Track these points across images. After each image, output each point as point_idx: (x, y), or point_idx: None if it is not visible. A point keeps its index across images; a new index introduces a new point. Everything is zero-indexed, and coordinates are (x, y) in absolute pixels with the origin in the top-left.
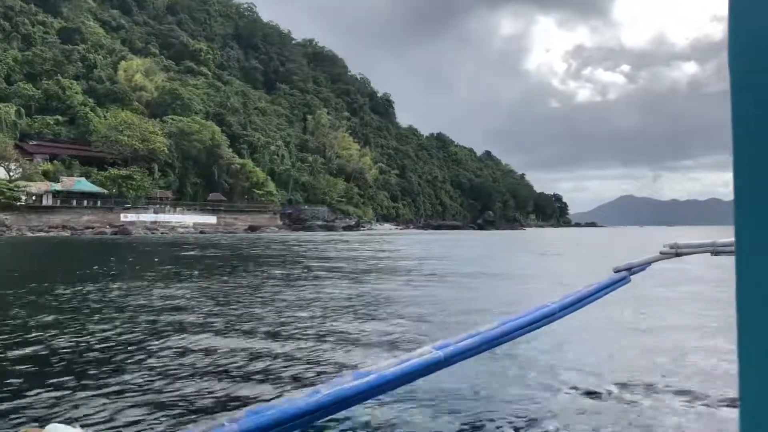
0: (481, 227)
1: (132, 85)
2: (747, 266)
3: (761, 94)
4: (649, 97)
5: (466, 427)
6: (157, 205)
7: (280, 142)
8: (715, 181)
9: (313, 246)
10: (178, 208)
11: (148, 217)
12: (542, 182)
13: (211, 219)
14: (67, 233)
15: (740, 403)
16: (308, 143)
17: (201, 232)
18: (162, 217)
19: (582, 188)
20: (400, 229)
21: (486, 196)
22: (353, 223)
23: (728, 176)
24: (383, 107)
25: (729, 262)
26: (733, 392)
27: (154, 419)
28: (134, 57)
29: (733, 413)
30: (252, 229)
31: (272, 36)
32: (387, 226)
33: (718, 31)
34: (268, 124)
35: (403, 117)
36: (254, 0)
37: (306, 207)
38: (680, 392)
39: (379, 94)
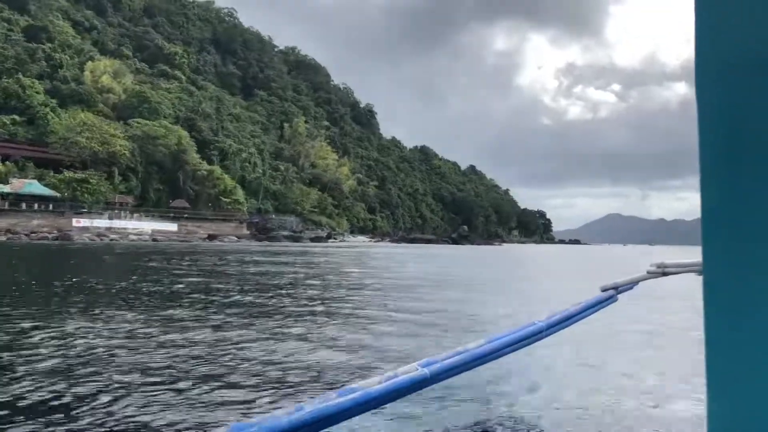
0: (455, 242)
1: (98, 87)
2: (713, 285)
3: (726, 116)
4: (640, 116)
5: None
6: (114, 211)
7: (252, 150)
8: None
9: (255, 259)
10: (135, 215)
11: (102, 222)
12: (531, 198)
13: (171, 226)
14: (3, 237)
15: (708, 419)
16: (283, 151)
17: (154, 240)
18: (117, 224)
19: (571, 205)
20: (375, 241)
21: (468, 210)
22: (324, 234)
23: None
24: (365, 118)
25: None
26: None
27: None
28: (102, 58)
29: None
30: (211, 237)
31: (252, 42)
32: (361, 238)
33: None
34: (242, 131)
35: (394, 129)
36: (237, 5)
37: (273, 216)
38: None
39: (361, 105)
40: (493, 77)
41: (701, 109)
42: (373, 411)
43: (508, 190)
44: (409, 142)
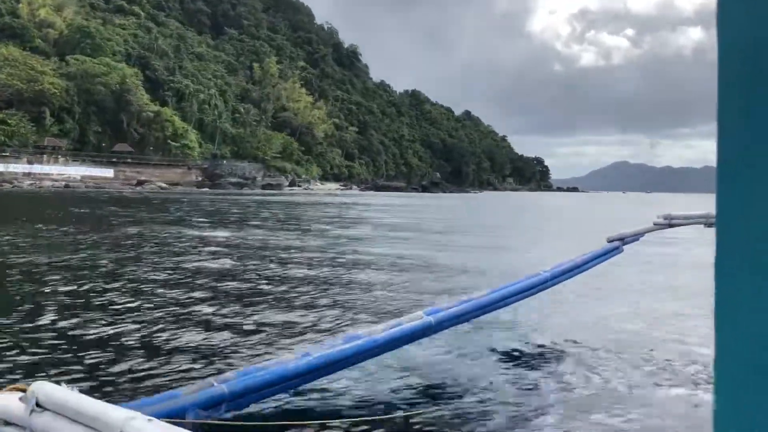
0: (425, 189)
1: (37, 21)
2: (727, 238)
3: (747, 68)
4: (653, 63)
5: (450, 393)
6: (39, 155)
7: (213, 91)
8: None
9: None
10: (60, 158)
11: (19, 167)
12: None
13: (107, 172)
14: None
15: (715, 375)
16: (250, 93)
17: (65, 186)
18: (39, 169)
19: (580, 153)
20: (342, 189)
21: (458, 157)
22: (287, 181)
23: None
24: (348, 59)
25: None
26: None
27: (146, 377)
28: None
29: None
30: (140, 183)
31: None
32: (331, 185)
33: None
34: (203, 71)
35: (400, 77)
36: None
37: (224, 162)
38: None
39: (345, 45)
40: (504, 23)
41: (722, 52)
42: (378, 357)
43: (505, 136)
44: (420, 90)
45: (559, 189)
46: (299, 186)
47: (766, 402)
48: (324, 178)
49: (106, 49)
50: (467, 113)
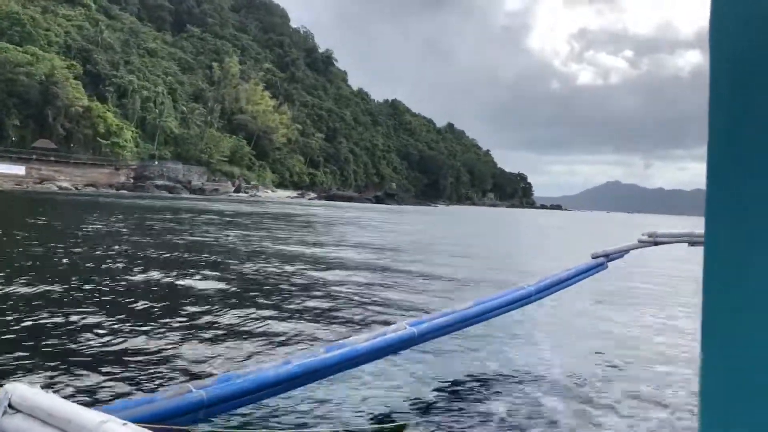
0: (379, 201)
1: None
2: (714, 259)
3: (737, 88)
4: (651, 84)
5: (431, 406)
6: None
7: (160, 88)
8: (704, 172)
9: None
10: None
11: None
12: (533, 163)
13: (17, 169)
14: None
15: (701, 390)
16: (204, 93)
17: None
18: None
19: (573, 171)
20: (294, 198)
21: (436, 169)
22: (232, 187)
23: None
24: (323, 64)
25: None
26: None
27: (123, 382)
28: None
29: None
30: (43, 181)
31: None
32: (282, 193)
33: None
34: (152, 67)
35: (398, 88)
36: None
37: (156, 163)
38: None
39: (320, 50)
40: (503, 38)
41: (714, 71)
42: (360, 367)
43: (488, 151)
44: (412, 103)
45: (543, 207)
46: (245, 192)
47: (751, 420)
48: (282, 185)
49: (39, 38)
50: (450, 125)
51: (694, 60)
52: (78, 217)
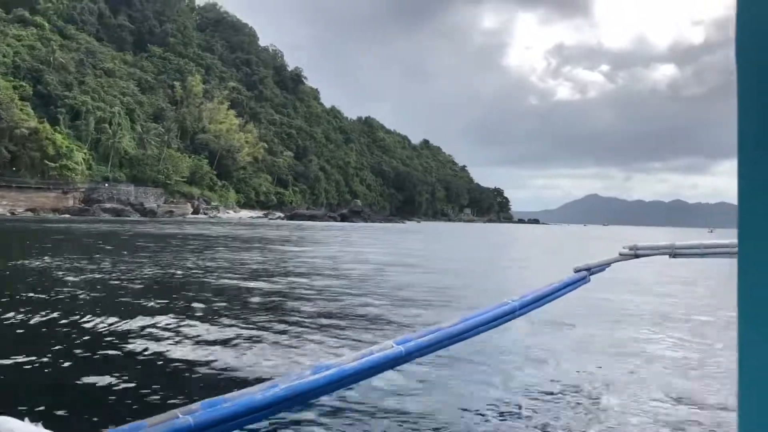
0: (344, 218)
1: None
2: (748, 270)
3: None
4: (628, 98)
5: (426, 423)
6: None
7: (117, 109)
8: (682, 183)
9: None
10: None
11: None
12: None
13: None
14: None
15: (739, 404)
16: (164, 113)
17: None
18: None
19: (554, 186)
20: (256, 218)
21: (411, 186)
22: (191, 209)
23: (694, 178)
24: (292, 82)
25: (686, 263)
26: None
27: (108, 410)
28: None
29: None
30: None
31: None
32: (245, 213)
33: (698, 34)
34: (109, 87)
35: (379, 107)
36: None
37: (106, 185)
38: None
39: (289, 68)
40: (480, 57)
41: (742, 87)
42: (347, 388)
43: (464, 166)
44: (393, 123)
45: (521, 221)
46: (205, 213)
47: None
48: (248, 205)
49: None
50: (425, 142)
51: (669, 73)
52: None
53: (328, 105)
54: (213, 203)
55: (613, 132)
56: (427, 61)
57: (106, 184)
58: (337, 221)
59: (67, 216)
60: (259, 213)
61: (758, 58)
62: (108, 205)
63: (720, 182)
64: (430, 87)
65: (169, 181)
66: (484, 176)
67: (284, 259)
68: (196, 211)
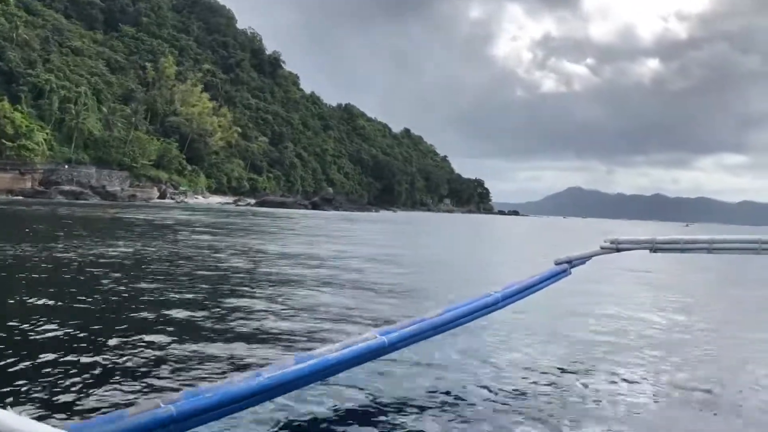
0: (315, 206)
1: None
2: None
3: None
4: (612, 92)
5: (410, 410)
6: None
7: (83, 89)
8: (663, 177)
9: None
10: None
11: None
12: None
13: None
14: None
15: None
16: (135, 94)
17: None
18: None
19: (537, 178)
20: (225, 204)
21: (390, 175)
22: (157, 193)
23: (675, 173)
24: (270, 66)
25: (666, 258)
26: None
27: (92, 400)
28: None
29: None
30: None
31: None
32: (214, 199)
33: (684, 29)
34: (76, 66)
35: (365, 98)
36: None
37: (66, 167)
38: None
39: (267, 52)
40: (467, 47)
41: None
42: (331, 378)
43: (446, 156)
44: (378, 112)
45: (501, 212)
46: (172, 198)
47: None
48: (219, 190)
49: None
50: (406, 131)
51: (654, 67)
52: None
53: (310, 92)
54: (181, 188)
55: (596, 125)
56: (414, 51)
57: (66, 166)
58: (307, 209)
59: (20, 198)
60: (230, 199)
61: None
62: (66, 188)
63: (701, 177)
64: (417, 77)
65: (135, 165)
66: (469, 168)
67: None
68: (162, 196)
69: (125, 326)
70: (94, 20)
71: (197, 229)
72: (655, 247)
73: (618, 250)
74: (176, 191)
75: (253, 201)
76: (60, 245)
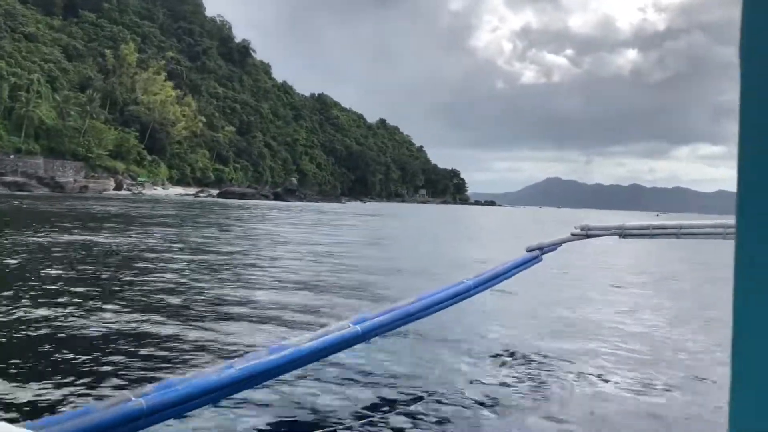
0: (278, 197)
1: None
2: (746, 257)
3: None
4: (591, 82)
5: (384, 399)
6: None
7: (36, 76)
8: (641, 167)
9: None
10: None
11: None
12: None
13: None
14: None
15: (732, 389)
16: (93, 82)
17: None
18: None
19: (516, 168)
20: (185, 195)
21: (363, 165)
22: (113, 184)
23: (652, 163)
24: (238, 55)
25: (634, 244)
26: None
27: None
28: None
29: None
30: None
31: None
32: (173, 190)
33: (662, 20)
34: (29, 53)
35: (344, 89)
36: None
37: (11, 157)
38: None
39: (236, 40)
40: (448, 38)
41: (745, 76)
42: (305, 367)
43: (421, 147)
44: (357, 102)
45: (477, 203)
46: (129, 190)
47: None
48: (183, 181)
49: None
50: (382, 121)
51: (632, 58)
52: None
53: (282, 81)
54: (140, 179)
55: (576, 116)
56: (394, 42)
57: (12, 156)
58: (269, 200)
59: None
60: (192, 190)
61: (762, 56)
62: (9, 179)
63: (677, 167)
64: (398, 68)
65: (90, 155)
66: (447, 158)
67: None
68: (118, 187)
69: None
70: (53, 5)
71: (112, 223)
72: (624, 233)
73: (588, 236)
74: (134, 182)
75: (212, 192)
76: None
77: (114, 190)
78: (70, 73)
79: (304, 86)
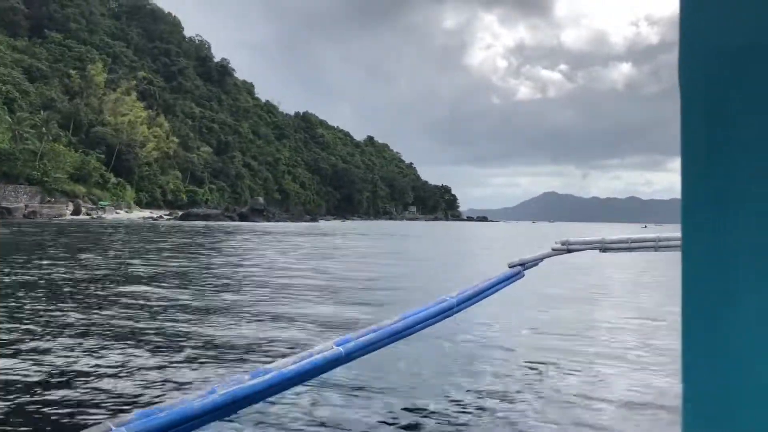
0: (243, 218)
1: None
2: (691, 266)
3: (710, 96)
4: (586, 97)
5: (370, 420)
6: None
7: None
8: (637, 180)
9: None
10: None
11: None
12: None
13: None
14: None
15: (683, 398)
16: (55, 103)
17: None
18: None
19: (513, 184)
20: (147, 218)
21: (349, 183)
22: (70, 209)
23: (649, 175)
24: (217, 74)
25: (614, 258)
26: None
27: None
28: None
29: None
30: None
31: None
32: (136, 214)
33: (655, 34)
34: None
35: (341, 108)
36: None
37: None
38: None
39: (215, 59)
40: (442, 56)
41: (685, 93)
42: (288, 391)
43: (411, 163)
44: (355, 123)
45: (469, 219)
46: (88, 214)
47: (733, 420)
48: (154, 204)
49: None
50: (370, 138)
51: (626, 72)
52: None
53: (265, 100)
54: (101, 203)
55: (571, 130)
56: (388, 61)
57: None
58: (234, 221)
59: None
60: (158, 213)
61: (701, 62)
62: None
63: (674, 178)
64: (392, 87)
65: (47, 179)
66: (444, 175)
67: None
68: (76, 212)
69: None
70: (17, 26)
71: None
72: (604, 246)
73: (569, 251)
74: (93, 206)
75: (177, 214)
76: None
77: (72, 215)
78: (32, 94)
79: (297, 106)
